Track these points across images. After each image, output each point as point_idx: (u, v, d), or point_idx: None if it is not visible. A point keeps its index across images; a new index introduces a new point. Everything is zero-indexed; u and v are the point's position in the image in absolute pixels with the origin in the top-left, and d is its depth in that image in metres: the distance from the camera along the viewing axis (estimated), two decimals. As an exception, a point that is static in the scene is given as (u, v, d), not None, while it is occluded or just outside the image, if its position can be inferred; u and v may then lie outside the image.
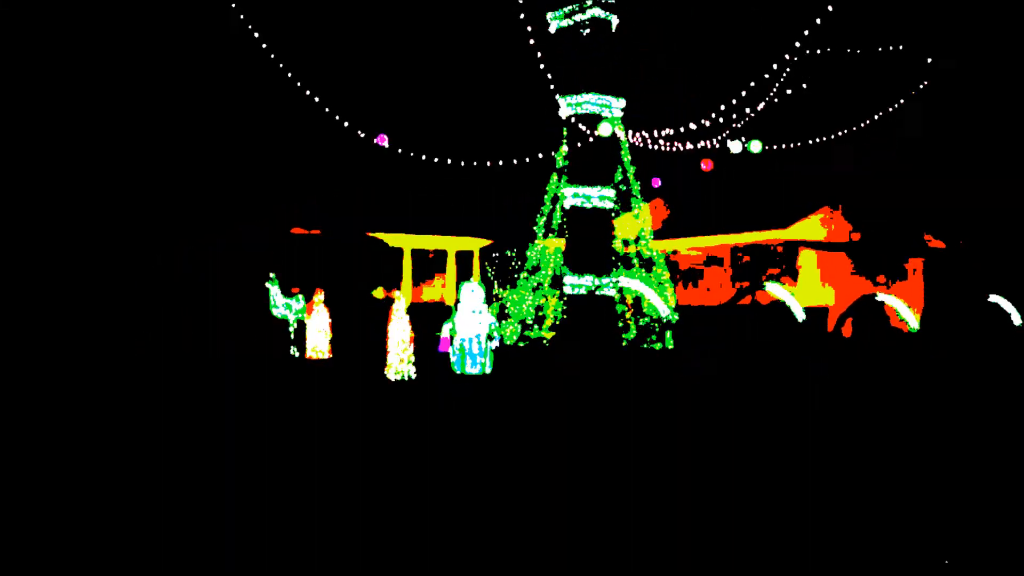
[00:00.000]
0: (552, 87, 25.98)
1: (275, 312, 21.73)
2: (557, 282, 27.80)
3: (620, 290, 27.70)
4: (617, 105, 28.06)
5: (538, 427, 12.28)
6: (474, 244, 39.99)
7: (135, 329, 25.14)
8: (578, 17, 27.36)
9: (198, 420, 12.50)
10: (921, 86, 29.01)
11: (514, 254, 33.54)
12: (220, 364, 20.39)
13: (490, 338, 16.22)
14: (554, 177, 28.55)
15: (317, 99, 25.12)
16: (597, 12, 27.23)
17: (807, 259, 35.23)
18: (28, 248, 27.40)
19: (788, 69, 24.08)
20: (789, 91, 26.29)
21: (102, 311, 26.28)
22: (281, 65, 23.96)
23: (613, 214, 28.22)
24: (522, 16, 22.97)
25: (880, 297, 26.56)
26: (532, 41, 23.66)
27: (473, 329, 16.09)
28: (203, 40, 32.25)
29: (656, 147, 28.54)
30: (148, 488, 8.48)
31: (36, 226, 28.14)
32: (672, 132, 27.81)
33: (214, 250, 30.50)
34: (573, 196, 27.72)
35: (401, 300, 17.69)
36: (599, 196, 27.67)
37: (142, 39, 31.44)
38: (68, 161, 29.97)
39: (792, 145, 32.64)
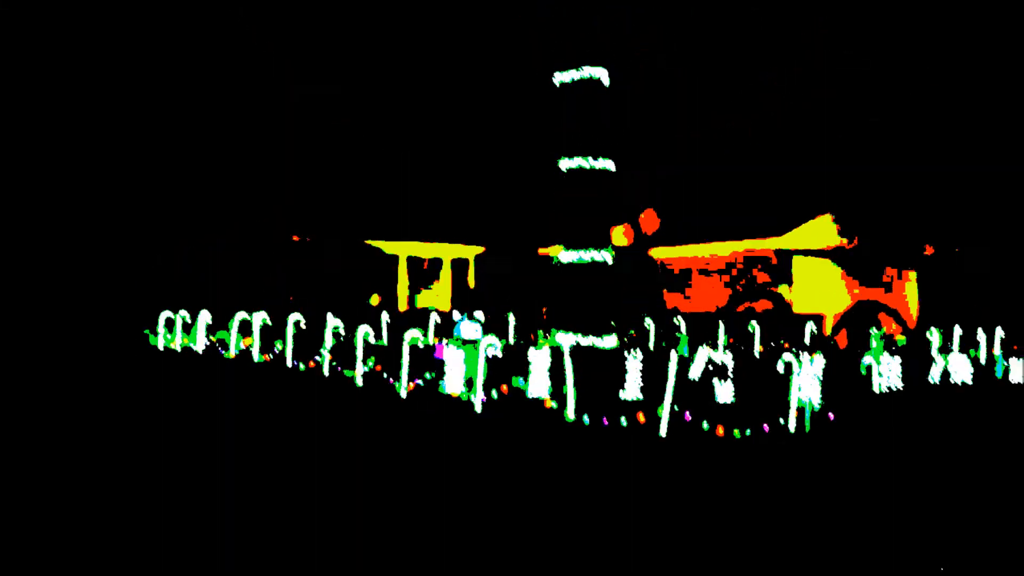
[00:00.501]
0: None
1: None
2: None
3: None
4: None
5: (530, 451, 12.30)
6: (469, 252, 40.03)
7: (132, 329, 25.09)
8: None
9: (193, 423, 12.49)
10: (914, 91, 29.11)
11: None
12: (218, 369, 20.37)
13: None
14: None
15: (314, 104, 25.10)
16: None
17: (802, 266, 35.32)
18: (27, 249, 27.32)
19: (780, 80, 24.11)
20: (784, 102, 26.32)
21: (98, 311, 26.20)
22: (276, 70, 23.96)
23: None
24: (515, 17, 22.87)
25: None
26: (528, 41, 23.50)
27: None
28: (199, 45, 32.21)
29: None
30: (145, 487, 8.48)
31: (35, 228, 28.07)
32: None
33: (214, 251, 30.46)
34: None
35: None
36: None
37: (141, 42, 31.39)
38: (64, 164, 29.90)
39: (787, 151, 32.76)
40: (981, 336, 23.45)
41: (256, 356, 21.08)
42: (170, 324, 24.27)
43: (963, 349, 22.87)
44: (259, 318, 21.35)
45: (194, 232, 32.42)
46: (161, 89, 32.25)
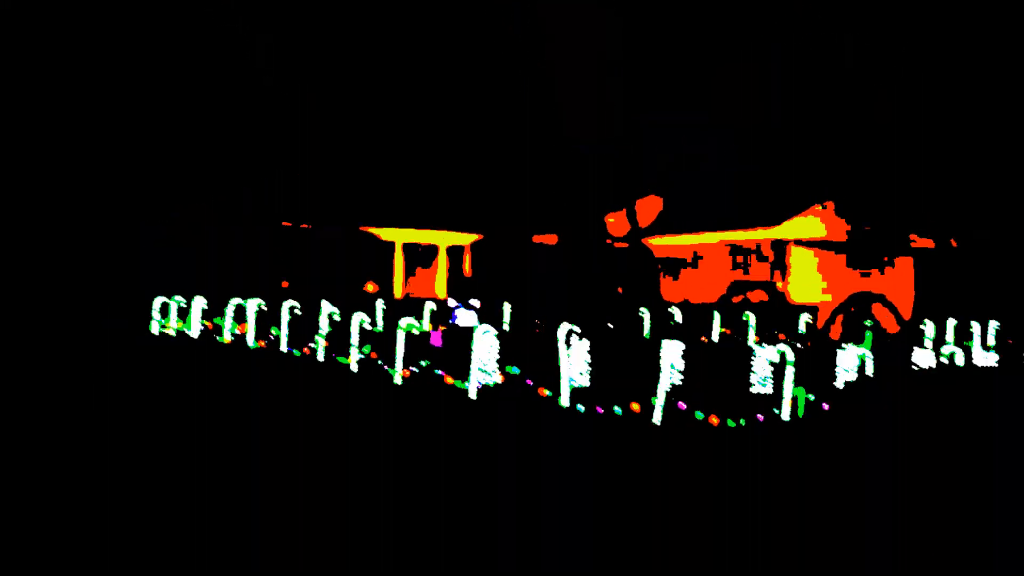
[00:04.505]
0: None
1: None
2: None
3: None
4: None
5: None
6: (465, 239, 39.97)
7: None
8: None
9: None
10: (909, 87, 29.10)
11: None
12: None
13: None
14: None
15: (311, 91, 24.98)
16: None
17: (798, 257, 35.36)
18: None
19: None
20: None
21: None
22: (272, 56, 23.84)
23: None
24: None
25: None
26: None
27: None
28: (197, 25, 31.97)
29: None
30: (137, 471, 8.48)
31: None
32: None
33: (210, 237, 30.40)
34: None
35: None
36: None
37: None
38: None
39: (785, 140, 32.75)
40: (975, 328, 23.49)
41: (250, 342, 21.08)
42: (165, 309, 24.24)
43: (957, 341, 22.93)
44: (254, 304, 21.33)
45: (189, 218, 32.34)
46: (159, 71, 32.09)
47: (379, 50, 37.25)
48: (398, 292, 37.52)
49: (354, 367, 17.52)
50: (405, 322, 17.07)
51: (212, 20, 29.12)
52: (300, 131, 35.50)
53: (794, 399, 14.51)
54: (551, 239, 37.80)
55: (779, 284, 34.64)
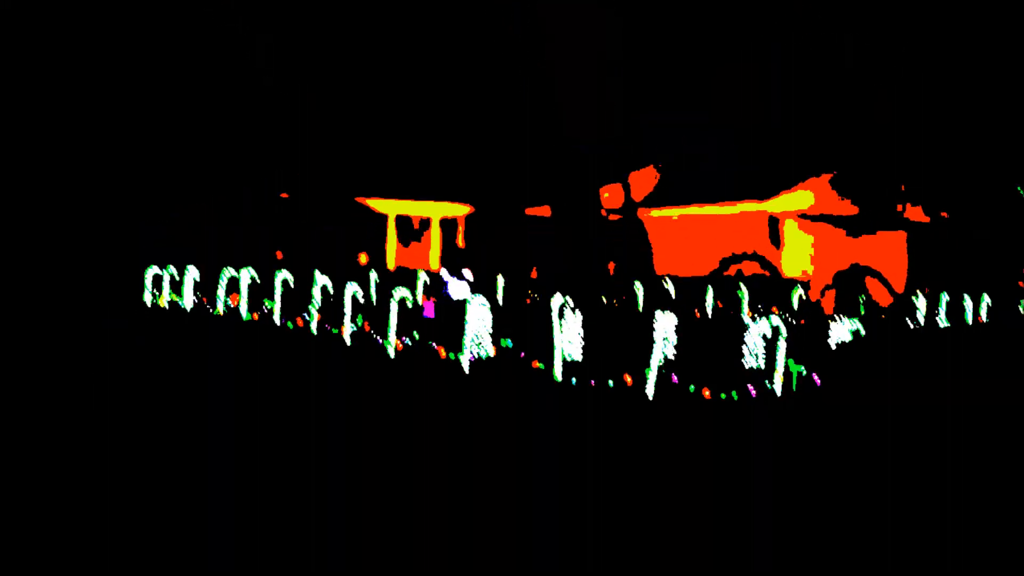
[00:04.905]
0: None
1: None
2: None
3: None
4: None
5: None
6: (458, 211, 39.87)
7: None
8: None
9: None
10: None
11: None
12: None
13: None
14: None
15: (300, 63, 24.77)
16: None
17: (792, 230, 35.36)
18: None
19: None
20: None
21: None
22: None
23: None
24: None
25: None
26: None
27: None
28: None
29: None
30: (132, 445, 8.49)
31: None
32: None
33: (202, 209, 30.33)
34: None
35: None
36: None
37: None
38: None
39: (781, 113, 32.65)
40: (968, 303, 23.57)
41: (244, 314, 21.05)
42: (158, 281, 24.15)
43: (949, 314, 23.01)
44: (246, 275, 21.28)
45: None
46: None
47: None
48: (391, 263, 37.47)
49: (347, 339, 17.51)
50: (398, 294, 17.06)
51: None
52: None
53: (787, 372, 14.55)
54: (545, 211, 37.73)
55: (773, 257, 34.67)
